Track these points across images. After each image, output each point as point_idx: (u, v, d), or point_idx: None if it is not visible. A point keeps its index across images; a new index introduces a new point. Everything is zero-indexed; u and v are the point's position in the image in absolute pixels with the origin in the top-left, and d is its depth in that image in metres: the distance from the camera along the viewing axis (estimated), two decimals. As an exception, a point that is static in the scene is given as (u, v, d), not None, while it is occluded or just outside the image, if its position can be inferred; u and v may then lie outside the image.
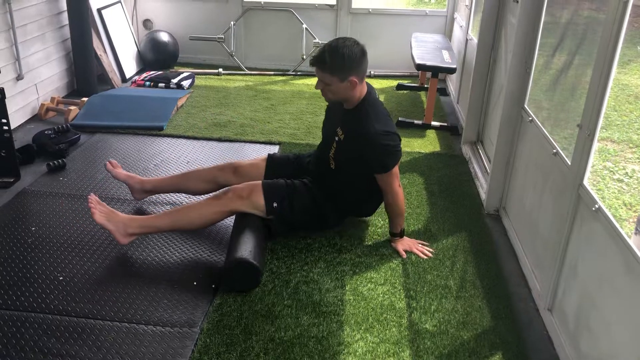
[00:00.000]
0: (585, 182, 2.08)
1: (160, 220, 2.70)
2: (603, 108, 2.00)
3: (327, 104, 2.94)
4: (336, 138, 2.76)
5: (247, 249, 2.48)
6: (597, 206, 1.95)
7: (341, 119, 2.76)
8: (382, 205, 2.92)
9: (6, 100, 3.22)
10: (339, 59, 2.52)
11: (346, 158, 2.74)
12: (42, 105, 4.33)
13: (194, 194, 3.04)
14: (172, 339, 2.16)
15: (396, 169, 2.72)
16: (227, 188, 2.74)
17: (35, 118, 4.33)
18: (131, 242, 2.67)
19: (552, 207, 2.42)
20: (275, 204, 2.70)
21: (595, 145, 2.06)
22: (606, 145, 4.58)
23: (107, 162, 3.08)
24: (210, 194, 2.89)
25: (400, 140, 2.74)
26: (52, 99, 4.44)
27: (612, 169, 4.19)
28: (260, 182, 2.75)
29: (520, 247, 2.80)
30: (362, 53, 2.58)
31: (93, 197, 2.66)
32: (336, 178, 2.81)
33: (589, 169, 2.08)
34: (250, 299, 2.39)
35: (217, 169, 3.00)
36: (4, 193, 3.20)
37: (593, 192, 2.02)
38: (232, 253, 2.47)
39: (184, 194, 3.15)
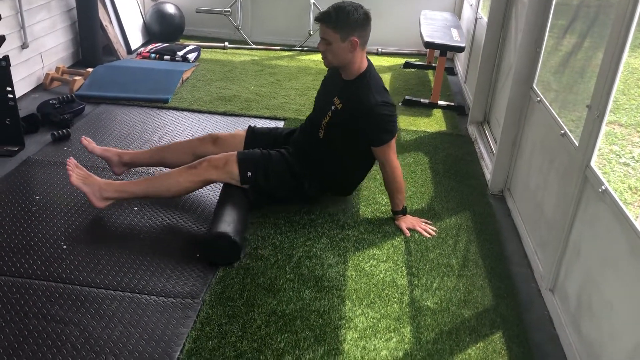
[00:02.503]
0: (593, 163, 2.07)
1: (135, 185, 2.73)
2: (613, 89, 1.97)
3: (324, 76, 2.96)
4: (332, 107, 2.75)
5: (227, 222, 2.49)
6: (603, 188, 1.94)
7: (340, 89, 2.76)
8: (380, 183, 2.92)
9: (11, 68, 3.20)
10: (344, 15, 2.57)
11: (340, 127, 2.73)
12: (47, 74, 4.31)
13: (173, 166, 2.94)
14: (174, 310, 2.17)
15: (394, 143, 2.72)
16: (203, 158, 2.74)
17: (39, 87, 4.31)
18: (107, 206, 2.71)
19: (557, 188, 2.41)
20: (249, 173, 2.71)
21: (604, 127, 2.05)
22: (613, 128, 4.55)
23: (82, 138, 3.01)
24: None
25: (396, 112, 2.76)
26: (57, 69, 4.41)
27: (618, 153, 4.16)
28: (236, 152, 2.76)
29: (524, 227, 2.80)
30: (366, 16, 2.62)
31: (72, 161, 2.72)
32: (321, 148, 2.81)
33: (596, 150, 2.07)
34: (253, 272, 2.40)
35: (196, 140, 3.00)
36: (8, 161, 3.20)
37: (600, 174, 2.01)
38: (213, 226, 2.49)
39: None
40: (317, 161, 2.82)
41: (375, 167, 2.91)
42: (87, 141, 3.00)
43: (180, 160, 2.92)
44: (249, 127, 3.08)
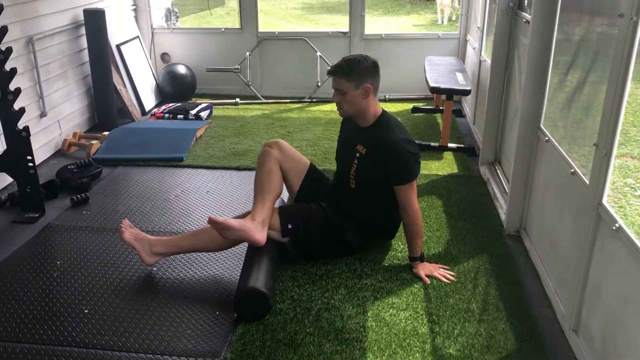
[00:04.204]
0: (605, 201, 2.07)
1: (182, 240, 2.78)
2: (619, 126, 1.99)
3: (339, 132, 3.05)
4: (357, 154, 2.82)
5: (255, 277, 2.50)
6: (617, 225, 1.94)
7: (360, 137, 2.84)
8: (400, 228, 2.93)
9: (31, 137, 3.31)
10: (354, 64, 2.71)
11: (369, 171, 2.79)
12: (65, 140, 4.43)
13: (217, 248, 2.81)
14: (196, 370, 2.17)
15: (415, 184, 2.78)
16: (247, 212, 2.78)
17: (58, 153, 4.43)
18: (156, 262, 2.77)
19: (572, 226, 2.40)
20: (290, 226, 2.75)
21: (613, 164, 2.06)
22: (626, 161, 4.54)
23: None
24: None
25: (419, 152, 2.82)
26: (74, 134, 4.54)
27: (633, 186, 4.14)
28: (278, 206, 2.82)
29: (542, 267, 2.77)
30: (375, 65, 2.77)
31: (126, 221, 2.82)
32: (356, 198, 2.86)
33: (607, 187, 2.07)
34: (273, 328, 2.40)
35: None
36: (29, 228, 3.27)
37: (613, 211, 2.01)
38: (241, 284, 2.50)
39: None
40: (354, 211, 2.85)
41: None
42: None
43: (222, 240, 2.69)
44: (311, 163, 3.08)
